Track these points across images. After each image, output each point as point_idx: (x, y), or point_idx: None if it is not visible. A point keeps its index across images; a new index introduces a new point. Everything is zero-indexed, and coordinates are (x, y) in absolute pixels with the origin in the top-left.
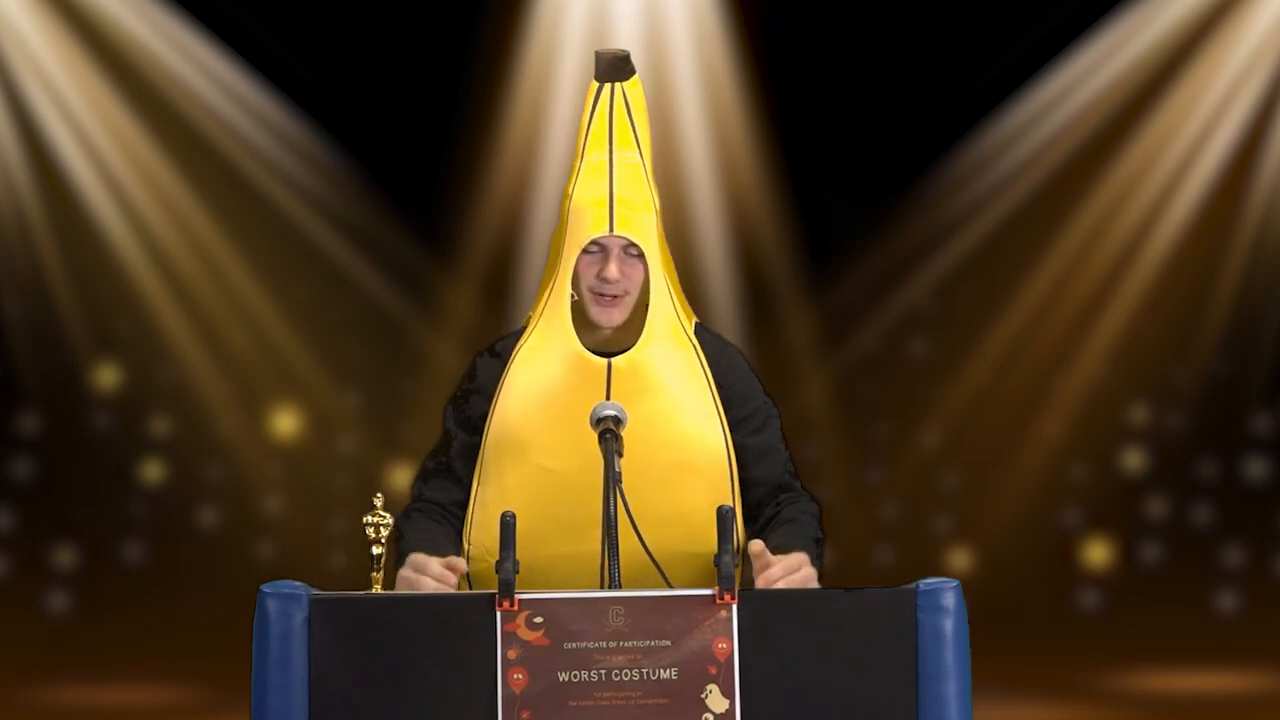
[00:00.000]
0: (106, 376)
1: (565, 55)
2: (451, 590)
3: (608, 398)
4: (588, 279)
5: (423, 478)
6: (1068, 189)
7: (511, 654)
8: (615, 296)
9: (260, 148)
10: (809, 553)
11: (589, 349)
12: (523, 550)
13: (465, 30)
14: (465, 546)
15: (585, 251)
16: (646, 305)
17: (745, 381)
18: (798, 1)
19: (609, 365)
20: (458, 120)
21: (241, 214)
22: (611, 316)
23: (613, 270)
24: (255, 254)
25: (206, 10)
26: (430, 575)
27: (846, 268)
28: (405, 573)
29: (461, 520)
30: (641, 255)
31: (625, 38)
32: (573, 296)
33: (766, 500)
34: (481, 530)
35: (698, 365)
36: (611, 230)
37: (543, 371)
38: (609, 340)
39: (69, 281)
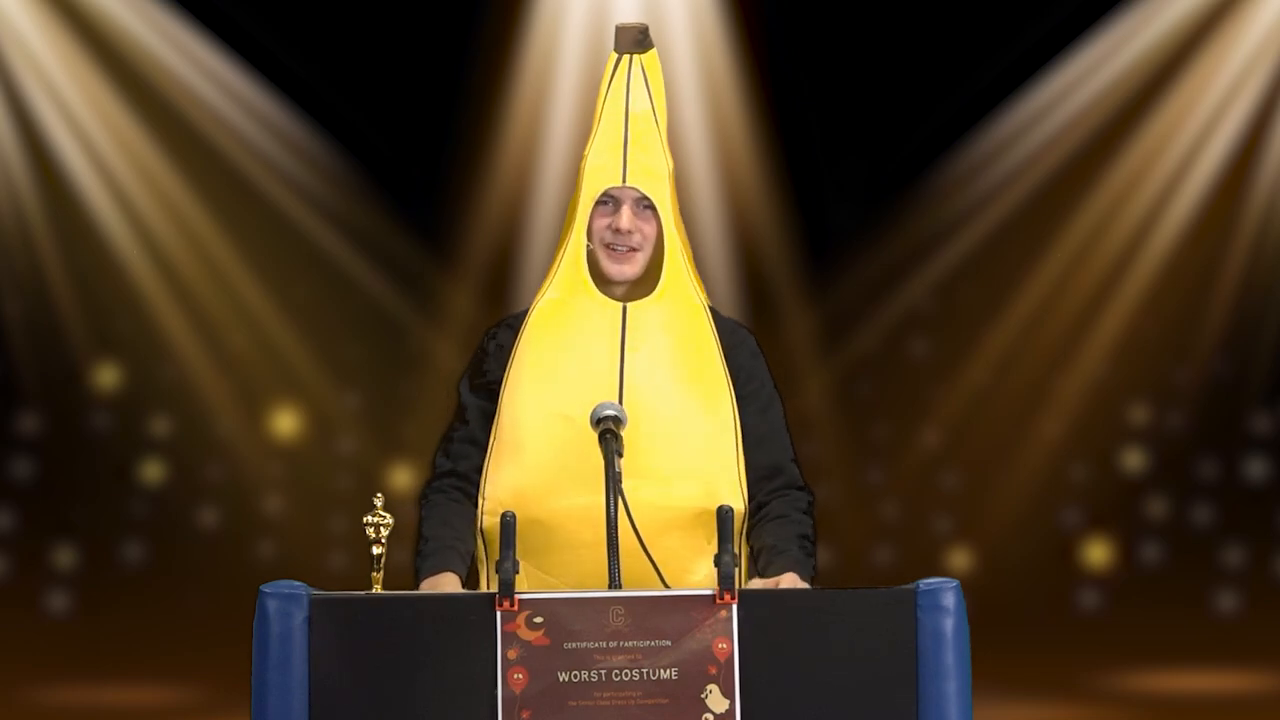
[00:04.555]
0: (106, 376)
1: (565, 55)
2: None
3: (622, 342)
4: (601, 232)
5: (444, 448)
6: (1068, 189)
7: (511, 654)
8: (629, 250)
9: (260, 148)
10: (798, 555)
11: None
12: (539, 503)
13: (465, 30)
14: (480, 503)
15: (599, 204)
16: (660, 262)
17: (753, 362)
18: (798, 1)
19: (624, 309)
20: (458, 120)
21: (241, 214)
22: (624, 270)
23: (625, 220)
24: (255, 254)
25: (206, 10)
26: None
27: (846, 268)
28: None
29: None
30: (654, 209)
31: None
32: (588, 247)
33: (763, 484)
34: (497, 486)
35: (707, 326)
36: (624, 181)
37: (559, 321)
38: (625, 296)
39: (69, 281)
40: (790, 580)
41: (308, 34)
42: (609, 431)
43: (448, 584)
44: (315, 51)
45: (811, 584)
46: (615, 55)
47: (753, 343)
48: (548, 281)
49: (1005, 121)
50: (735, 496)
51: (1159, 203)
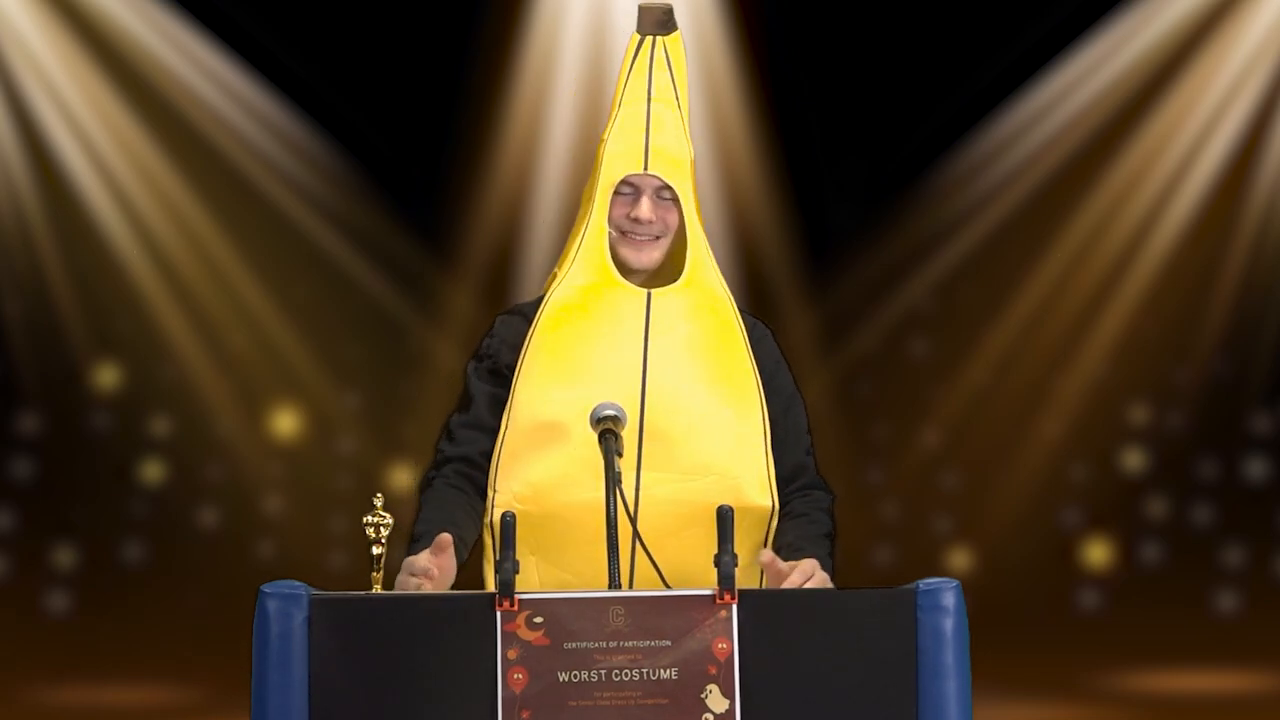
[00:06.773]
0: (106, 376)
1: (565, 55)
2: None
3: (646, 329)
4: (619, 220)
5: (447, 434)
6: (1068, 189)
7: (511, 654)
8: (650, 239)
9: (260, 148)
10: (820, 553)
11: None
12: (555, 498)
13: (465, 30)
14: (490, 494)
15: (617, 193)
16: (681, 251)
17: (774, 357)
18: (798, 1)
19: (648, 296)
20: (458, 120)
21: (241, 214)
22: (641, 258)
23: (645, 210)
24: (255, 254)
25: (206, 10)
26: (408, 583)
27: (846, 268)
28: (400, 577)
29: (488, 474)
30: (675, 200)
31: (625, 38)
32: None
33: (784, 485)
34: (511, 478)
35: (733, 317)
36: (645, 169)
37: (579, 309)
38: (644, 285)
39: (69, 281)
40: (812, 564)
41: (308, 34)
42: (609, 431)
43: (442, 542)
44: (315, 51)
45: (833, 579)
46: (638, 36)
47: (773, 339)
48: (564, 268)
49: (1005, 121)
50: (763, 494)
51: (1159, 203)
